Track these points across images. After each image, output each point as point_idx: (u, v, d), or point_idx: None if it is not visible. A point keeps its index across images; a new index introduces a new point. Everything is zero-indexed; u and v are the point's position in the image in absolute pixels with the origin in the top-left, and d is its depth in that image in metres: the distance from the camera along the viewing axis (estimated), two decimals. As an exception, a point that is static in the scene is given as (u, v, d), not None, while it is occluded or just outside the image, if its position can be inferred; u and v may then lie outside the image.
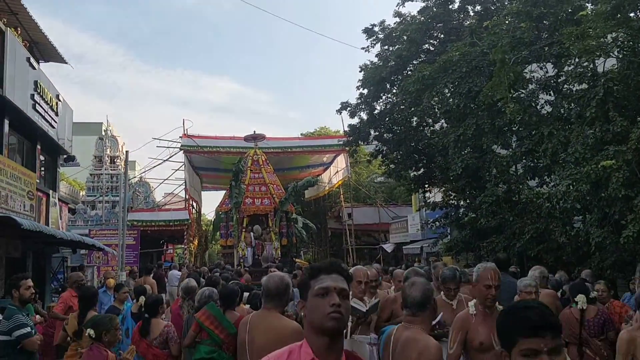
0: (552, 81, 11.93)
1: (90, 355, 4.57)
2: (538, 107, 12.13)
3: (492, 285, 3.82)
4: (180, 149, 28.25)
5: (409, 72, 16.55)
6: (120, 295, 7.74)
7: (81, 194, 30.21)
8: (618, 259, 9.30)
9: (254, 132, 26.90)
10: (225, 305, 5.32)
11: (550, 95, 12.25)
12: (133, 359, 4.67)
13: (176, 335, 5.84)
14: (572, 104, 11.25)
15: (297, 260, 24.75)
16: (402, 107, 16.11)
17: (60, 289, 16.72)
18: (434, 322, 4.34)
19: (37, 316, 8.38)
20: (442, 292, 5.07)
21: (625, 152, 8.29)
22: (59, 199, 18.26)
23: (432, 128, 16.91)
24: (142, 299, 7.91)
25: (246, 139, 27.06)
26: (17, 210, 11.45)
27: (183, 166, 28.79)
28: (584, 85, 10.12)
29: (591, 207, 10.25)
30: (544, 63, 12.30)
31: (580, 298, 5.32)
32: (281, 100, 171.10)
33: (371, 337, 5.47)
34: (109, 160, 27.83)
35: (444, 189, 16.45)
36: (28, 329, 5.05)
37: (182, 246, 30.15)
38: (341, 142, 21.60)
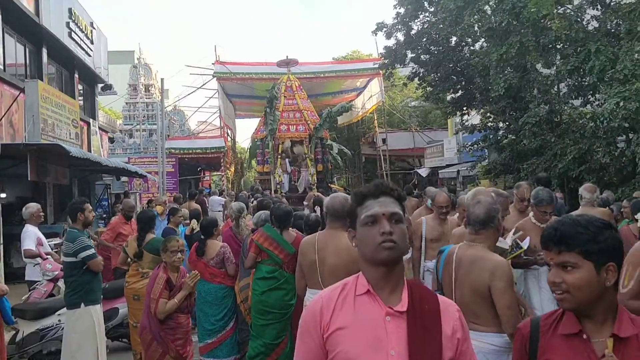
0: (600, -6, 11.39)
1: (154, 274, 4.83)
2: (585, 22, 11.63)
3: None
4: (213, 76, 28.15)
5: (449, -11, 15.93)
6: (175, 219, 8.01)
7: (118, 122, 30.69)
8: (663, 178, 9.17)
9: (287, 57, 26.54)
10: (281, 226, 5.40)
11: (597, 10, 11.71)
12: (195, 284, 4.84)
13: (232, 256, 6.07)
14: (621, 19, 10.76)
15: (332, 185, 25.02)
16: (440, 26, 15.58)
17: (104, 215, 17.36)
18: (524, 247, 4.39)
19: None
20: (531, 214, 5.00)
21: (679, 67, 7.98)
22: (99, 128, 18.63)
23: (472, 48, 16.44)
24: (194, 222, 8.21)
25: (279, 64, 26.75)
26: (63, 138, 11.77)
27: (217, 93, 28.78)
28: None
29: (638, 127, 10.01)
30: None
31: None
32: (310, 22, 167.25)
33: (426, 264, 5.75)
34: (143, 89, 27.99)
35: (482, 111, 16.16)
36: (92, 251, 5.27)
37: (219, 173, 30.67)
38: (376, 66, 21.21)
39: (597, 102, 11.80)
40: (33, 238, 7.06)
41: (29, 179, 9.35)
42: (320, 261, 4.05)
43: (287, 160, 23.17)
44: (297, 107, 24.60)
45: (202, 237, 6.18)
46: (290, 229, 5.54)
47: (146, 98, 27.91)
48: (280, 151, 23.43)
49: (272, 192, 21.23)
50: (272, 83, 24.70)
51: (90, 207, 5.52)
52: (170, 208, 8.98)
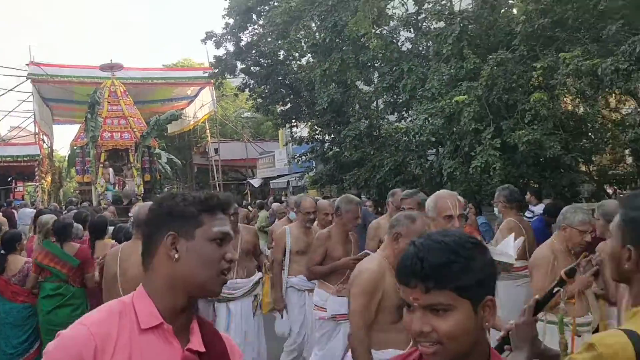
0: (412, 18, 12.29)
1: None
2: (399, 43, 12.50)
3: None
4: (27, 78, 25.67)
5: (276, 3, 16.20)
6: None
7: None
8: (467, 189, 10.09)
9: (111, 60, 25.15)
10: (60, 239, 5.31)
11: (410, 32, 12.64)
12: None
13: None
14: (430, 42, 11.72)
15: (161, 196, 24.08)
16: (269, 39, 15.81)
17: None
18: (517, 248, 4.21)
19: None
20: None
21: (476, 88, 8.84)
22: None
23: (298, 62, 16.87)
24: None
25: (102, 68, 25.23)
26: None
27: (31, 97, 26.28)
28: (442, 23, 10.54)
29: (444, 140, 10.94)
30: (406, 0, 12.61)
31: None
32: (142, 27, 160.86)
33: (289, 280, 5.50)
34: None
35: (310, 123, 16.65)
36: None
37: (34, 184, 27.97)
38: (206, 74, 20.89)
39: (410, 118, 12.72)
40: None
41: None
42: (122, 273, 3.81)
43: (110, 169, 21.85)
44: (122, 114, 23.39)
45: (3, 251, 5.55)
46: (110, 240, 5.50)
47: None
48: (102, 160, 22.03)
49: (95, 203, 19.84)
50: (94, 87, 23.23)
51: None
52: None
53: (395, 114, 13.31)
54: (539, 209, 7.86)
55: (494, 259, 1.44)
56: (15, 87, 26.71)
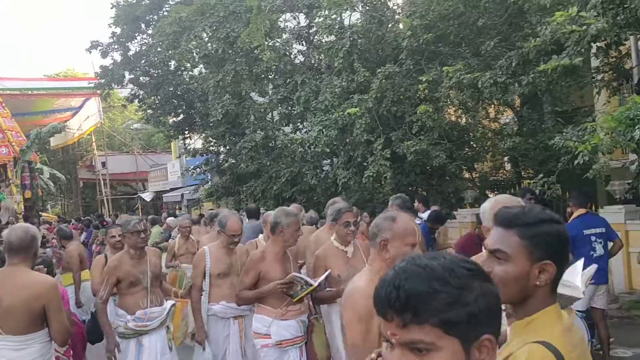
0: (304, 32, 12.53)
1: None
2: (292, 56, 12.66)
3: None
4: None
5: (165, 13, 15.84)
6: None
7: None
8: (360, 197, 10.40)
9: (-15, 70, 23.35)
10: None
11: (302, 45, 12.86)
12: None
13: None
14: (322, 55, 11.99)
15: (43, 214, 22.63)
16: (159, 49, 15.39)
17: None
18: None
19: None
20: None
21: (367, 100, 9.16)
22: None
23: (190, 73, 16.57)
24: None
25: (-26, 78, 23.40)
26: None
27: None
28: (333, 37, 10.82)
29: (338, 151, 11.21)
30: (297, 13, 12.81)
31: None
32: (19, 37, 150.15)
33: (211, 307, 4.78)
34: None
35: (204, 135, 16.37)
36: None
37: None
38: (92, 85, 19.95)
39: (304, 130, 12.90)
40: None
41: None
42: None
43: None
44: (-2, 127, 21.73)
45: None
46: None
47: None
48: (-24, 177, 20.35)
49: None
50: (-34, 98, 21.46)
51: None
52: None
53: (291, 125, 13.43)
54: (426, 215, 8.27)
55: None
56: None
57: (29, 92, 26.41)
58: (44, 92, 27.41)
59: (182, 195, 22.50)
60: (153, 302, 4.63)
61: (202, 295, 4.82)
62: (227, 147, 15.24)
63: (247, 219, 7.82)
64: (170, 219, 13.00)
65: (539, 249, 1.54)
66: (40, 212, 21.95)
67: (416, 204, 8.28)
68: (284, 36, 12.57)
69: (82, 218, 20.80)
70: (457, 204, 11.30)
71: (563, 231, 1.61)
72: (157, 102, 17.14)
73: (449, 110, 10.99)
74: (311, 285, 3.92)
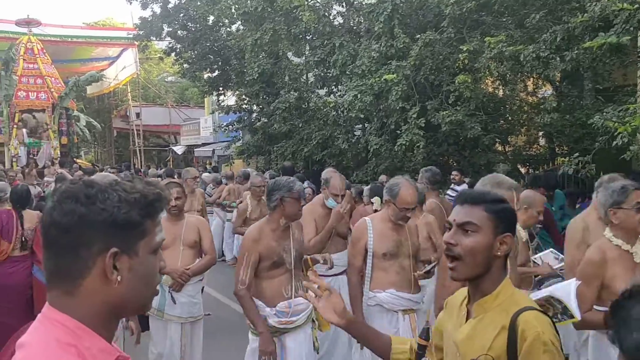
0: (345, -8, 12.34)
1: None
2: (331, 17, 12.53)
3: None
4: None
5: (207, -34, 15.74)
6: None
7: None
8: (390, 165, 10.42)
9: (28, 15, 23.62)
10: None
11: (342, 7, 12.70)
12: None
13: None
14: (362, 18, 11.85)
15: (77, 160, 23.15)
16: (198, 3, 15.36)
17: None
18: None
19: None
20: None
21: (405, 67, 9.07)
22: None
23: (228, 29, 16.53)
24: None
25: (18, 22, 23.65)
26: None
27: None
28: (374, 0, 10.67)
29: (371, 117, 11.18)
30: (339, -26, 12.61)
31: (376, 200, 5.79)
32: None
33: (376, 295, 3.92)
34: None
35: (238, 92, 16.43)
36: None
37: None
38: (130, 35, 20.06)
39: (339, 93, 12.86)
40: None
41: None
42: None
43: (24, 130, 20.72)
44: (38, 73, 22.12)
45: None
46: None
47: None
48: (16, 120, 20.85)
49: (7, 165, 18.84)
50: (9, 43, 21.82)
51: None
52: None
53: (325, 88, 13.40)
54: (462, 188, 8.26)
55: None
56: None
57: (69, 39, 26.60)
58: (83, 40, 27.62)
59: (214, 150, 22.75)
60: (298, 290, 3.59)
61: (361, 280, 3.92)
62: (261, 106, 15.30)
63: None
64: (205, 175, 13.19)
65: (502, 223, 1.78)
66: (74, 159, 22.44)
67: (454, 174, 8.21)
68: (325, -3, 12.42)
69: (116, 166, 21.26)
70: (488, 177, 11.24)
71: (514, 210, 1.94)
72: (193, 56, 17.17)
73: (486, 81, 10.83)
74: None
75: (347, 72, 10.60)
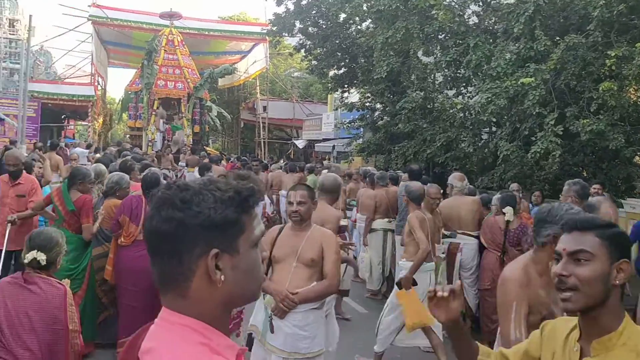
0: (482, -8, 11.97)
1: None
2: (466, 17, 12.19)
3: None
4: (88, 20, 26.11)
5: (342, -36, 15.94)
6: None
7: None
8: (519, 173, 9.95)
9: (171, 9, 25.32)
10: (70, 184, 5.45)
11: (479, 6, 12.32)
12: None
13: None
14: (499, 18, 11.41)
15: (207, 148, 24.47)
16: (330, 0, 15.62)
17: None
18: None
19: None
20: None
21: (544, 71, 8.62)
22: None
23: (359, 27, 16.65)
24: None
25: (162, 15, 25.45)
26: None
27: (90, 38, 26.77)
28: (513, 0, 10.24)
29: (503, 121, 10.75)
30: (477, -27, 12.25)
31: (509, 210, 5.57)
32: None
33: None
34: (7, 23, 25.35)
35: (362, 90, 16.52)
36: None
37: (85, 123, 28.75)
38: (264, 31, 20.84)
39: (468, 95, 12.49)
40: None
41: None
42: None
43: (160, 118, 22.25)
44: (177, 63, 23.64)
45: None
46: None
47: (10, 34, 25.31)
48: (155, 107, 22.42)
49: (144, 149, 20.34)
50: (152, 34, 23.47)
51: None
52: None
53: (454, 89, 13.08)
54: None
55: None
56: (76, 27, 27.27)
57: (206, 32, 28.17)
58: (219, 33, 29.09)
59: (334, 146, 23.05)
60: None
61: None
62: (384, 105, 15.25)
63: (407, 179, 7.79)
64: (324, 172, 13.33)
65: (616, 249, 1.67)
66: (204, 147, 23.73)
67: (595, 188, 7.64)
68: (461, -5, 12.12)
69: (241, 157, 22.20)
70: (626, 193, 10.41)
71: (626, 234, 1.80)
72: (322, 53, 17.51)
73: (633, 89, 10.04)
74: None
75: (480, 74, 10.27)
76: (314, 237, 3.70)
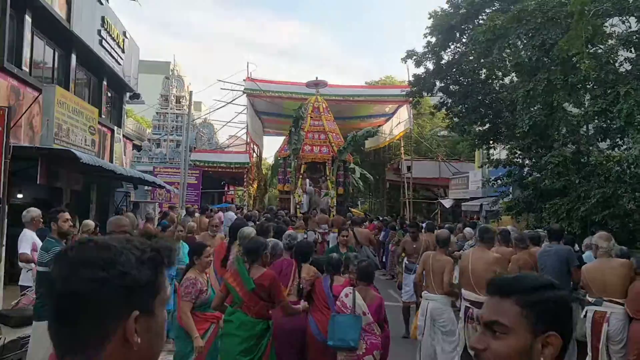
0: (635, 37, 11.01)
1: None
2: (616, 64, 11.27)
3: None
4: (244, 92, 28.39)
5: (481, 21, 15.71)
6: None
7: (147, 131, 31.03)
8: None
9: (316, 78, 26.65)
10: (249, 259, 4.87)
11: (631, 52, 11.34)
12: None
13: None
14: (656, 63, 10.40)
15: (352, 210, 24.77)
16: (470, 58, 15.41)
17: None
18: None
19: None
20: None
21: None
22: (124, 136, 18.78)
23: (501, 81, 16.15)
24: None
25: (308, 85, 26.88)
26: (77, 144, 11.79)
27: (245, 109, 29.00)
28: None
29: (666, 175, 9.58)
30: (627, 17, 11.32)
31: None
32: (348, 46, 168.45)
33: None
34: (174, 100, 28.37)
35: (509, 146, 15.79)
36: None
37: (242, 188, 30.79)
38: (404, 93, 21.05)
39: (624, 146, 11.38)
40: (29, 242, 6.98)
41: (37, 182, 9.35)
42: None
43: (307, 180, 23.08)
44: (322, 129, 24.60)
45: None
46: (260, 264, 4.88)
47: (176, 109, 28.26)
48: (302, 171, 23.36)
49: (292, 211, 21.11)
50: (300, 103, 24.76)
51: (67, 217, 5.35)
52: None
53: (607, 140, 12.00)
54: None
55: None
56: (232, 100, 29.76)
57: (351, 98, 29.17)
58: (363, 98, 29.94)
59: (481, 205, 22.14)
60: None
61: None
62: (532, 160, 14.41)
63: (548, 240, 7.21)
64: (467, 230, 12.81)
65: (542, 319, 1.36)
66: (350, 208, 24.07)
67: None
68: (609, 42, 11.25)
69: (380, 218, 22.12)
70: None
71: (566, 297, 1.43)
72: (463, 110, 17.19)
73: None
74: None
75: (634, 123, 9.32)
76: None
